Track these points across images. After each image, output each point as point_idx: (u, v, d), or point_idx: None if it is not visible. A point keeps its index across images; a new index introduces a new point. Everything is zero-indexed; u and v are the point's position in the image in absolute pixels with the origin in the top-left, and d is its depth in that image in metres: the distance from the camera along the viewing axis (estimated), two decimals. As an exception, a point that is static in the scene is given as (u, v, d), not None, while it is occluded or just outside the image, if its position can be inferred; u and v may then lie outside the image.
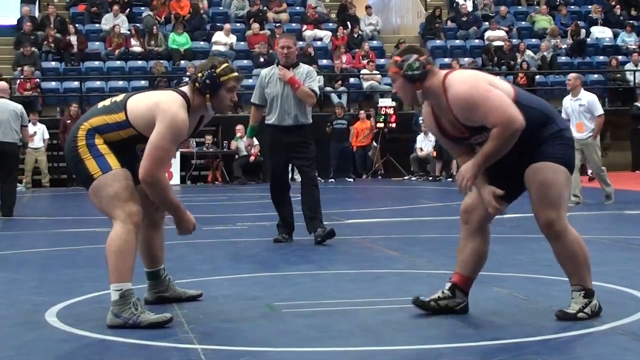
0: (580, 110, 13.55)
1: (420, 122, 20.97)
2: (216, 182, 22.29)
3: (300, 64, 9.76)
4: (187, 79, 23.28)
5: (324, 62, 25.20)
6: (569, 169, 5.22)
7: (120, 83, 24.07)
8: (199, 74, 5.58)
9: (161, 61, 23.99)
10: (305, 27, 26.46)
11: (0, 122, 13.16)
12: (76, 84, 23.72)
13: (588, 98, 13.64)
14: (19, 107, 13.52)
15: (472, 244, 5.41)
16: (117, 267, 5.45)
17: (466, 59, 25.76)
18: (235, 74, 5.64)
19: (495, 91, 5.09)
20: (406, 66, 5.16)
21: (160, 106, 5.50)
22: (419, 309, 5.46)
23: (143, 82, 23.79)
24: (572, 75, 14.55)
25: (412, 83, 5.16)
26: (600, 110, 13.65)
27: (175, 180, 21.68)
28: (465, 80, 5.12)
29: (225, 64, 5.62)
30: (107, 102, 5.76)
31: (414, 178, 22.41)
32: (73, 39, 24.36)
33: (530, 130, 5.07)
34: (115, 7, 25.49)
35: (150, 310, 5.51)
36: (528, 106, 5.14)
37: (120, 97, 5.73)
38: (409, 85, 5.18)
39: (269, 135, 9.66)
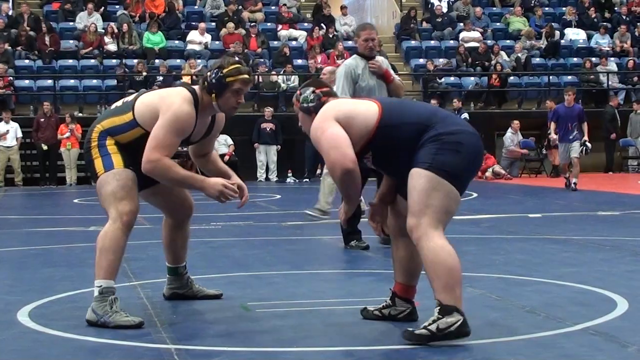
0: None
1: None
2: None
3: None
4: (160, 79, 23.35)
5: (299, 62, 25.20)
6: (440, 172, 4.81)
7: (95, 82, 24.00)
8: (208, 72, 5.55)
9: (143, 60, 23.91)
10: (280, 26, 26.45)
11: None
12: (50, 82, 23.61)
13: None
14: None
15: (402, 251, 5.28)
16: (100, 264, 5.46)
17: (441, 60, 25.84)
18: (244, 76, 5.53)
19: (329, 131, 4.97)
20: (302, 99, 5.24)
21: (165, 99, 5.51)
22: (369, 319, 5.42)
23: (116, 82, 23.71)
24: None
25: (309, 115, 5.19)
26: None
27: (150, 179, 21.59)
28: (318, 116, 5.10)
29: (235, 65, 5.52)
30: (119, 102, 5.77)
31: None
32: (47, 38, 24.24)
33: (407, 144, 4.94)
34: (90, 6, 25.40)
35: (126, 310, 5.48)
36: (399, 124, 4.95)
37: (131, 97, 5.74)
38: (306, 117, 5.22)
39: None
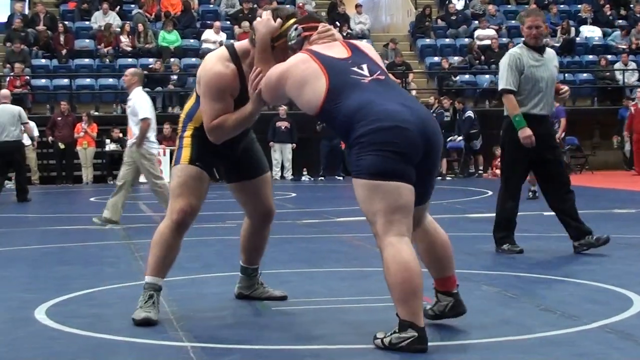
0: None
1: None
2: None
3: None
4: (175, 77, 23.39)
5: (314, 60, 25.16)
6: (370, 176, 4.61)
7: (110, 80, 24.05)
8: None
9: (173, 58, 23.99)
10: (295, 25, 26.44)
11: (3, 125, 15.62)
12: (66, 81, 23.67)
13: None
14: (16, 109, 16.00)
15: (420, 246, 5.10)
16: (148, 259, 5.54)
17: (456, 58, 25.80)
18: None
19: (270, 74, 5.04)
20: (288, 37, 5.19)
21: (201, 68, 5.50)
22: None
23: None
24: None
25: (293, 52, 5.15)
26: None
27: (166, 178, 21.60)
28: (278, 65, 5.09)
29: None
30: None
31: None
32: (62, 38, 24.32)
33: (342, 137, 4.87)
34: (105, 5, 25.46)
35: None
36: (335, 115, 4.77)
37: None
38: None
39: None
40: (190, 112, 5.59)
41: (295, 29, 5.15)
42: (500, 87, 8.33)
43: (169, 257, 5.53)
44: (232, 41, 5.43)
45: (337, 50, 4.99)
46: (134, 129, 11.69)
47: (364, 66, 4.90)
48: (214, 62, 5.42)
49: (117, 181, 11.92)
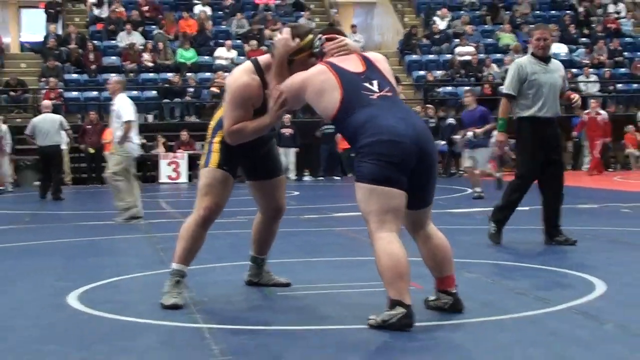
0: None
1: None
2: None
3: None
4: (192, 90, 23.40)
5: (314, 74, 25.15)
6: (368, 181, 4.73)
7: (134, 93, 24.03)
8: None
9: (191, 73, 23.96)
10: (297, 43, 26.42)
11: (47, 131, 16.09)
12: (95, 93, 23.67)
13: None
14: (58, 117, 16.61)
15: (423, 249, 5.05)
16: (176, 249, 5.52)
17: (439, 72, 25.81)
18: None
19: (293, 80, 5.06)
20: (314, 45, 5.22)
21: (228, 78, 5.51)
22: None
23: (154, 92, 23.81)
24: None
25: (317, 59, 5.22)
26: None
27: (183, 178, 21.68)
28: (299, 73, 5.11)
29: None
30: None
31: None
32: (91, 55, 24.32)
33: (352, 145, 4.96)
34: (129, 26, 25.48)
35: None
36: (346, 125, 4.90)
37: None
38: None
39: (527, 128, 8.11)
40: (220, 122, 5.53)
41: (319, 39, 5.17)
42: (503, 91, 8.34)
43: (194, 248, 5.52)
44: (260, 57, 5.33)
45: (353, 63, 5.03)
46: (117, 131, 11.59)
47: (375, 82, 4.96)
48: (241, 74, 5.40)
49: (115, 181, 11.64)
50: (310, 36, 5.25)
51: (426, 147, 4.84)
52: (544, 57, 8.23)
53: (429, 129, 5.10)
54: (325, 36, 5.19)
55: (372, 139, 4.75)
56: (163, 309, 5.30)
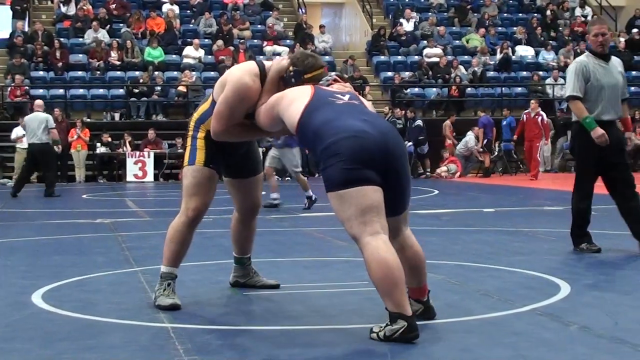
0: None
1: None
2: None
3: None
4: (159, 89, 23.30)
5: (282, 74, 25.10)
6: (335, 187, 4.55)
7: (101, 91, 23.93)
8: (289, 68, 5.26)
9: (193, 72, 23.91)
10: (265, 43, 26.41)
11: (33, 129, 16.32)
12: (61, 91, 23.52)
13: None
14: (44, 116, 16.62)
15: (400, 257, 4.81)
16: (165, 252, 5.47)
17: (407, 73, 25.87)
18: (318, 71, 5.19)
19: (271, 98, 5.05)
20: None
21: (229, 73, 5.36)
22: None
23: (121, 91, 23.70)
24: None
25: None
26: None
27: (149, 177, 21.62)
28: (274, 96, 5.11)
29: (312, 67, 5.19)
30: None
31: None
32: (58, 53, 24.15)
33: (313, 153, 4.83)
34: (95, 23, 25.34)
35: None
36: (306, 131, 4.75)
37: None
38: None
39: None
40: (204, 115, 5.44)
41: (327, 80, 5.10)
42: (567, 94, 7.69)
43: (183, 250, 5.47)
44: (267, 62, 5.24)
45: (336, 87, 5.01)
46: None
47: (347, 96, 4.88)
48: (244, 74, 5.28)
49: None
50: (320, 71, 5.16)
51: (395, 150, 4.66)
52: (604, 55, 7.68)
53: (397, 130, 5.00)
54: (333, 79, 5.11)
55: (331, 140, 4.57)
56: (163, 311, 5.25)
